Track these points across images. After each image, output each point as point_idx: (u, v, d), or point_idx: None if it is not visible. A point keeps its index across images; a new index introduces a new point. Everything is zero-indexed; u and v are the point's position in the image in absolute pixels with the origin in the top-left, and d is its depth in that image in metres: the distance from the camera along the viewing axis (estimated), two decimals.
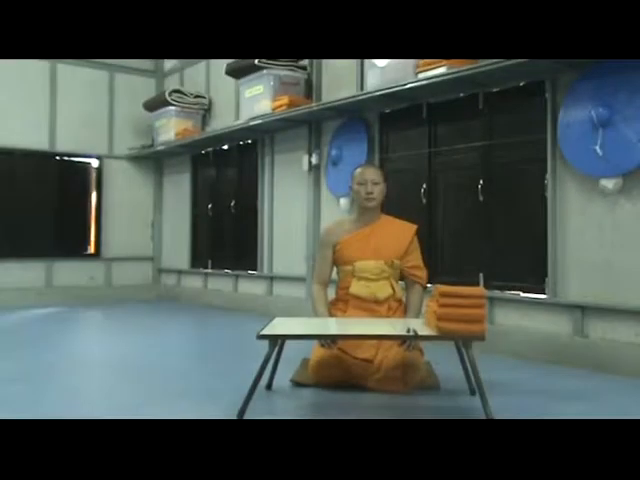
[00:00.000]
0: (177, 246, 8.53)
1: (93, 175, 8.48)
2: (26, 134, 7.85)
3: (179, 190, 8.56)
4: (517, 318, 4.49)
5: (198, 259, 8.20)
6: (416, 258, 3.67)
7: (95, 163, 8.46)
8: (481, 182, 4.74)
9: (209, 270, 7.89)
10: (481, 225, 4.78)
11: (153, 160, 8.85)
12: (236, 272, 7.38)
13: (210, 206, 7.92)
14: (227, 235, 7.68)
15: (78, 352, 4.80)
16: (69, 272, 8.15)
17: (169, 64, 8.88)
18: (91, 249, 8.44)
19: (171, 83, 8.64)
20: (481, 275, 4.73)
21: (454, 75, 4.44)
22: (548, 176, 4.27)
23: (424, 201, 5.17)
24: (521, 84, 4.50)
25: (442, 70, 4.51)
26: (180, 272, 8.49)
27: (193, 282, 8.23)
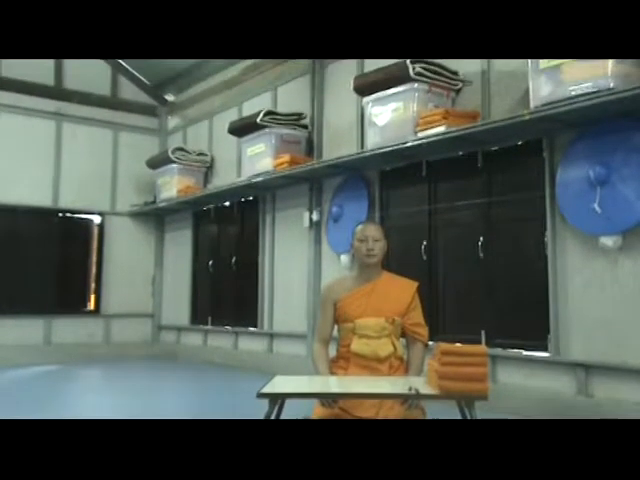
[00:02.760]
0: (177, 302, 8.50)
1: (95, 231, 8.53)
2: (30, 191, 7.93)
3: (180, 246, 8.58)
4: (520, 376, 4.44)
5: (198, 316, 8.16)
6: (417, 315, 3.64)
7: (97, 219, 8.52)
8: (481, 239, 4.76)
9: (209, 327, 7.84)
10: (482, 282, 4.78)
11: (155, 217, 8.90)
12: (236, 329, 7.33)
13: (211, 262, 7.93)
14: (227, 291, 7.66)
15: (69, 416, 4.69)
16: (68, 329, 8.09)
17: (172, 123, 9.03)
18: (91, 306, 8.40)
19: (174, 141, 8.77)
20: (483, 332, 4.69)
21: (453, 134, 4.52)
22: (548, 234, 4.29)
23: (425, 258, 5.18)
24: (519, 143, 4.56)
25: (441, 129, 4.59)
26: (180, 329, 8.43)
27: (193, 339, 8.17)
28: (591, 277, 4.06)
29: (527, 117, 3.99)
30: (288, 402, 3.27)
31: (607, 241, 3.89)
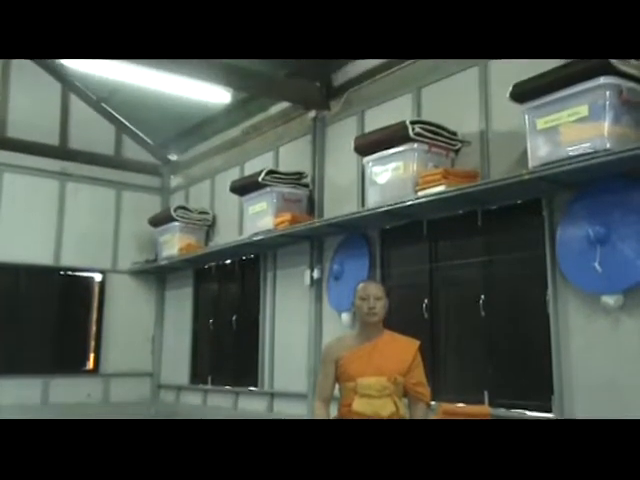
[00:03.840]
0: (177, 361, 8.41)
1: (96, 289, 8.51)
2: (32, 250, 7.96)
3: (181, 304, 8.55)
4: None
5: (198, 375, 8.06)
6: (419, 375, 3.60)
7: (98, 277, 8.52)
8: (482, 298, 4.75)
9: (209, 386, 7.74)
10: (484, 341, 4.74)
11: (156, 274, 8.90)
12: (236, 388, 7.23)
13: (211, 321, 7.89)
14: (228, 350, 7.59)
15: None
16: (66, 389, 7.98)
17: (175, 181, 9.13)
18: (90, 365, 8.32)
19: (177, 199, 8.85)
20: (486, 392, 4.63)
21: (452, 193, 4.56)
22: (549, 292, 4.28)
23: (426, 316, 5.15)
24: (518, 202, 4.60)
25: (441, 188, 4.63)
26: (179, 388, 8.32)
27: (192, 398, 8.05)
28: (593, 336, 4.03)
29: (526, 177, 4.03)
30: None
31: (608, 300, 3.87)
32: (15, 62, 8.09)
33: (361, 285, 3.72)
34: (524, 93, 4.08)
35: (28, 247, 7.91)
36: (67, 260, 8.23)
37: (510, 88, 4.15)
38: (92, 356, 8.33)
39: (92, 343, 8.37)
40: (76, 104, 8.54)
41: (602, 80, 3.65)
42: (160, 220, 8.25)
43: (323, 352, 3.79)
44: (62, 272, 8.28)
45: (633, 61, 3.66)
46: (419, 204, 4.82)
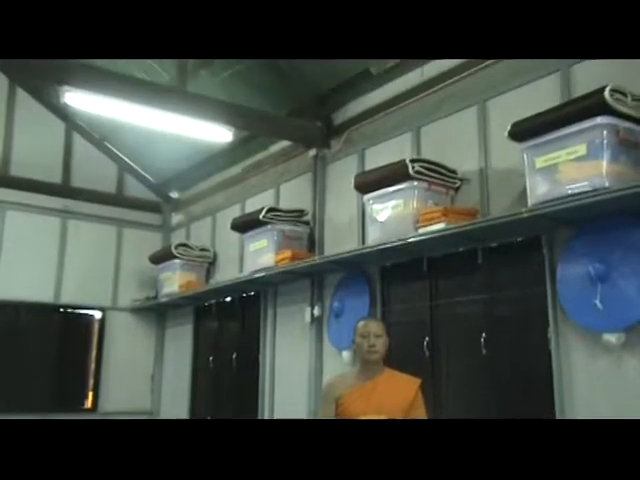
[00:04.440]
0: (176, 399, 8.33)
1: (95, 327, 8.48)
2: (32, 287, 7.95)
3: (181, 342, 8.51)
4: None
5: (197, 413, 7.98)
6: (421, 414, 3.57)
7: (98, 315, 8.49)
8: (484, 335, 4.73)
9: None
10: (486, 379, 4.70)
11: (156, 312, 8.88)
12: None
13: (211, 358, 7.84)
14: (227, 388, 7.53)
15: None
16: None
17: (176, 219, 9.18)
18: (88, 403, 8.24)
19: (177, 237, 8.88)
20: None
21: (452, 231, 4.58)
22: (550, 330, 4.26)
23: (427, 354, 5.12)
24: (519, 239, 4.61)
25: (441, 226, 4.65)
26: None
27: None
28: (596, 375, 4.00)
29: (525, 215, 4.05)
30: None
31: (610, 338, 3.86)
32: (20, 101, 8.21)
33: (361, 323, 3.71)
34: (522, 132, 4.13)
35: (28, 285, 7.91)
36: (67, 297, 8.22)
37: (509, 127, 4.20)
38: (91, 394, 8.26)
39: (91, 381, 8.30)
40: (79, 143, 8.63)
41: (599, 120, 3.69)
42: (161, 257, 8.27)
43: (324, 390, 3.76)
44: (62, 310, 8.26)
45: (629, 101, 3.71)
46: (419, 241, 4.84)
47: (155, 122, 6.20)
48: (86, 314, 8.47)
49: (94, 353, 8.39)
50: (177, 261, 7.92)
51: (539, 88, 4.61)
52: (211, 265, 8.16)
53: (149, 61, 7.11)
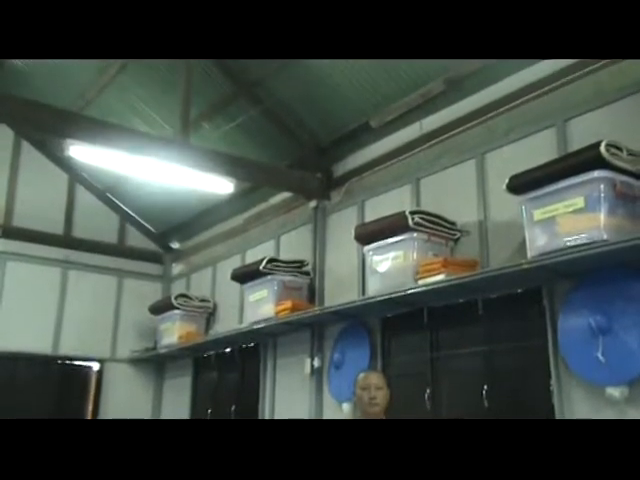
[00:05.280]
0: None
1: (93, 378, 8.40)
2: (31, 338, 7.89)
3: (179, 393, 8.41)
4: None
5: None
6: None
7: (96, 366, 8.42)
8: (485, 387, 4.69)
9: None
10: None
11: (155, 363, 8.80)
12: None
13: (210, 411, 7.73)
14: None
15: None
16: None
17: (177, 269, 9.19)
18: None
19: (178, 287, 8.87)
20: None
21: (452, 282, 4.59)
22: (553, 382, 4.23)
23: (429, 407, 5.07)
24: (519, 291, 4.61)
25: (441, 277, 4.66)
26: None
27: None
28: None
29: (525, 267, 4.07)
30: None
31: (613, 392, 3.82)
32: (25, 153, 8.33)
33: (362, 375, 3.69)
34: (520, 185, 4.18)
35: (27, 336, 7.85)
36: (65, 349, 8.15)
37: (507, 180, 4.25)
38: None
39: None
40: (82, 194, 8.72)
41: (596, 174, 3.75)
42: (160, 308, 8.24)
43: None
44: (60, 361, 8.20)
45: (625, 155, 3.77)
46: (419, 293, 4.84)
47: (157, 174, 6.26)
48: (84, 366, 8.39)
49: (91, 405, 8.29)
50: (177, 312, 7.90)
51: (536, 142, 4.69)
52: (211, 316, 8.13)
53: (153, 114, 7.24)
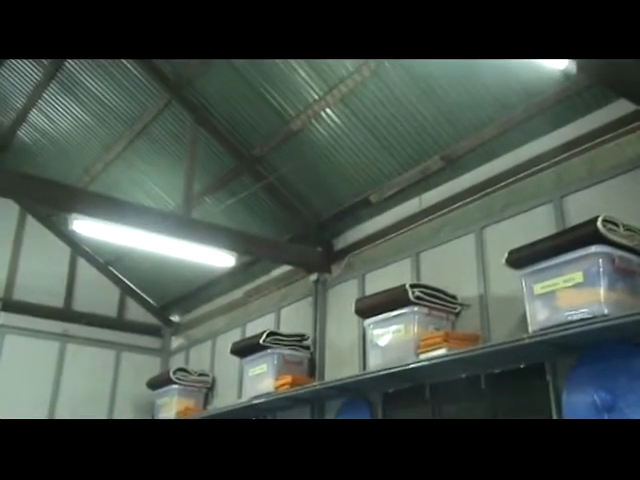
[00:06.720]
0: None
1: None
2: (26, 410, 7.71)
3: None
4: None
5: None
6: None
7: None
8: None
9: None
10: None
11: None
12: None
13: None
14: None
15: None
16: None
17: (176, 342, 9.12)
18: None
19: (177, 361, 8.79)
20: None
21: (454, 356, 4.55)
22: None
23: None
24: (521, 366, 4.57)
25: (442, 351, 4.63)
26: None
27: None
28: None
29: (527, 341, 4.05)
30: None
31: None
32: (29, 227, 8.42)
33: None
34: (520, 260, 4.20)
35: (22, 409, 7.69)
36: None
37: (506, 255, 4.28)
38: None
39: None
40: (83, 267, 8.77)
41: (594, 249, 3.77)
42: (158, 383, 8.12)
43: None
44: None
45: (622, 231, 3.82)
46: (421, 367, 4.79)
47: (160, 247, 6.31)
48: None
49: None
50: (175, 386, 7.78)
51: (533, 217, 4.76)
52: (210, 390, 8.01)
53: (156, 188, 7.36)
